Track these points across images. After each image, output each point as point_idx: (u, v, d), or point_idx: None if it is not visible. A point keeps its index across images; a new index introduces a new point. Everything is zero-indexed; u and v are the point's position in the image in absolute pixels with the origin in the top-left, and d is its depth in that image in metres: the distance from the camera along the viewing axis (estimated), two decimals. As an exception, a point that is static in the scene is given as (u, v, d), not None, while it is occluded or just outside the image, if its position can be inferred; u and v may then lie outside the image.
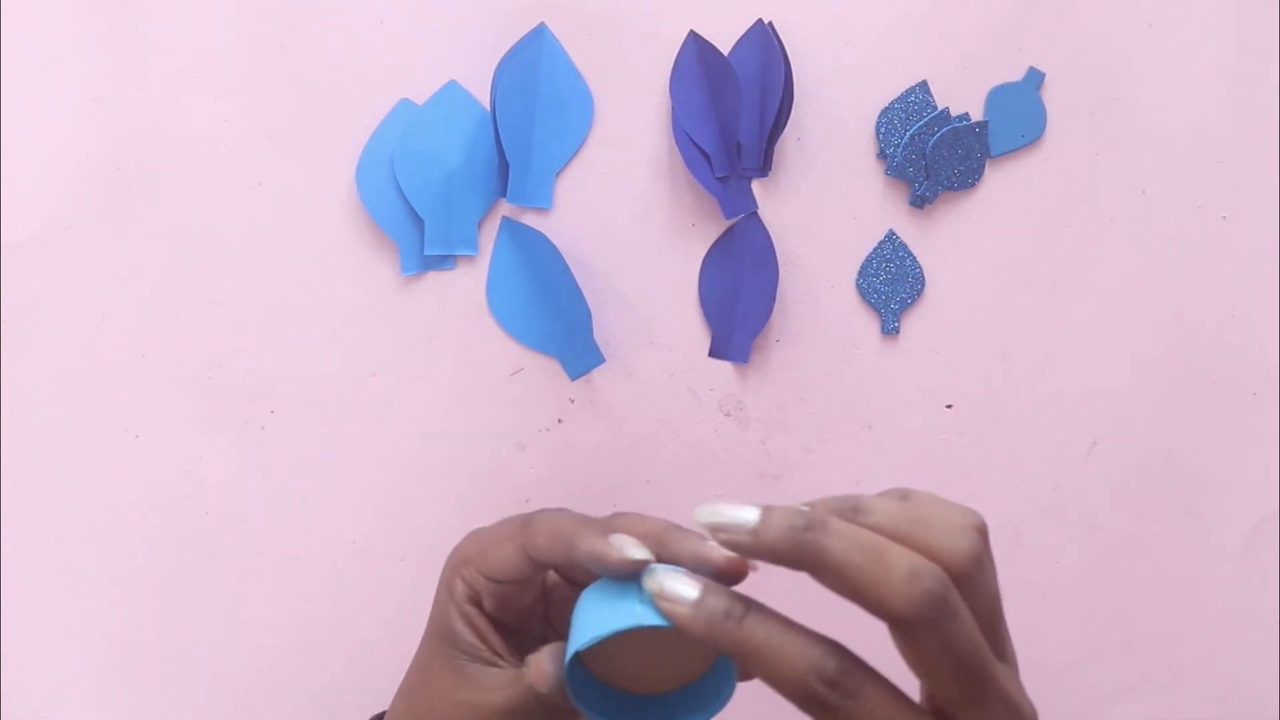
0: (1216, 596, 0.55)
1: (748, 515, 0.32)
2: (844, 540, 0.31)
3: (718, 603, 0.32)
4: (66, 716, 0.55)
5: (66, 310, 0.54)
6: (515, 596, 0.41)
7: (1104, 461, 0.55)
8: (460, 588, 0.41)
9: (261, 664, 0.55)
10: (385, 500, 0.55)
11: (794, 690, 0.31)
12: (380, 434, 0.55)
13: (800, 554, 0.31)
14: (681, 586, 0.33)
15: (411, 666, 0.44)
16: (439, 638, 0.42)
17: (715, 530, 0.33)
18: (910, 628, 0.30)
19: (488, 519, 0.56)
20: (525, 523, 0.40)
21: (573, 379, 0.54)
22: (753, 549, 0.32)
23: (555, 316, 0.54)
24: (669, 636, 0.35)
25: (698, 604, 0.32)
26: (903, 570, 0.30)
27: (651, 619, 0.33)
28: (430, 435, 0.55)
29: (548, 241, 0.53)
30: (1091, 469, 0.55)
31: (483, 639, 0.41)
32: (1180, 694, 0.55)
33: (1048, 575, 0.55)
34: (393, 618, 0.55)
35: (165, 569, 0.55)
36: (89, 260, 0.54)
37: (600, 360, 0.54)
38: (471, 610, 0.41)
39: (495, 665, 0.40)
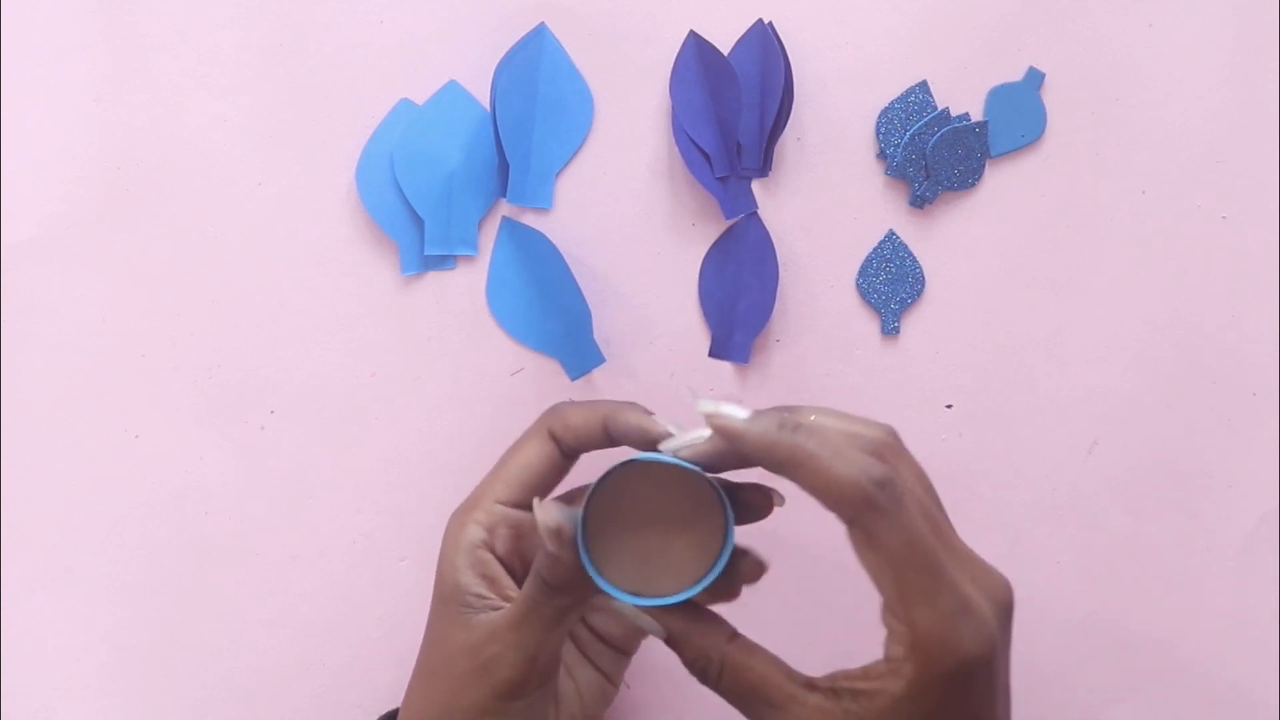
0: (1216, 596, 0.55)
1: (740, 412, 0.36)
2: (814, 438, 0.35)
3: (770, 416, 0.36)
4: (66, 716, 0.55)
5: (66, 310, 0.54)
6: (529, 535, 0.42)
7: (1104, 461, 0.55)
8: (470, 532, 0.42)
9: (261, 664, 0.55)
10: (385, 500, 0.55)
11: (848, 491, 0.35)
12: (380, 434, 0.55)
13: (778, 446, 0.36)
14: (732, 408, 0.37)
15: (422, 649, 0.44)
16: (446, 601, 0.42)
17: (711, 418, 0.36)
18: (874, 516, 0.35)
19: (488, 519, 0.56)
20: (545, 414, 0.43)
21: (573, 379, 0.54)
22: (740, 436, 0.36)
23: (555, 316, 0.54)
24: (671, 525, 0.38)
25: (751, 418, 0.36)
26: (861, 463, 0.35)
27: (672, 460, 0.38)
28: (430, 435, 0.55)
29: (548, 241, 0.53)
30: (1091, 469, 0.55)
31: (493, 584, 0.42)
32: (1180, 694, 0.55)
33: (1048, 575, 0.55)
34: (393, 618, 0.55)
35: (165, 569, 0.55)
36: (89, 260, 0.54)
37: (600, 360, 0.54)
38: (483, 556, 0.42)
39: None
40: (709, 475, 0.38)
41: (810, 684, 0.37)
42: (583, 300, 0.54)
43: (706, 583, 0.38)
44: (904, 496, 0.35)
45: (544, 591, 0.39)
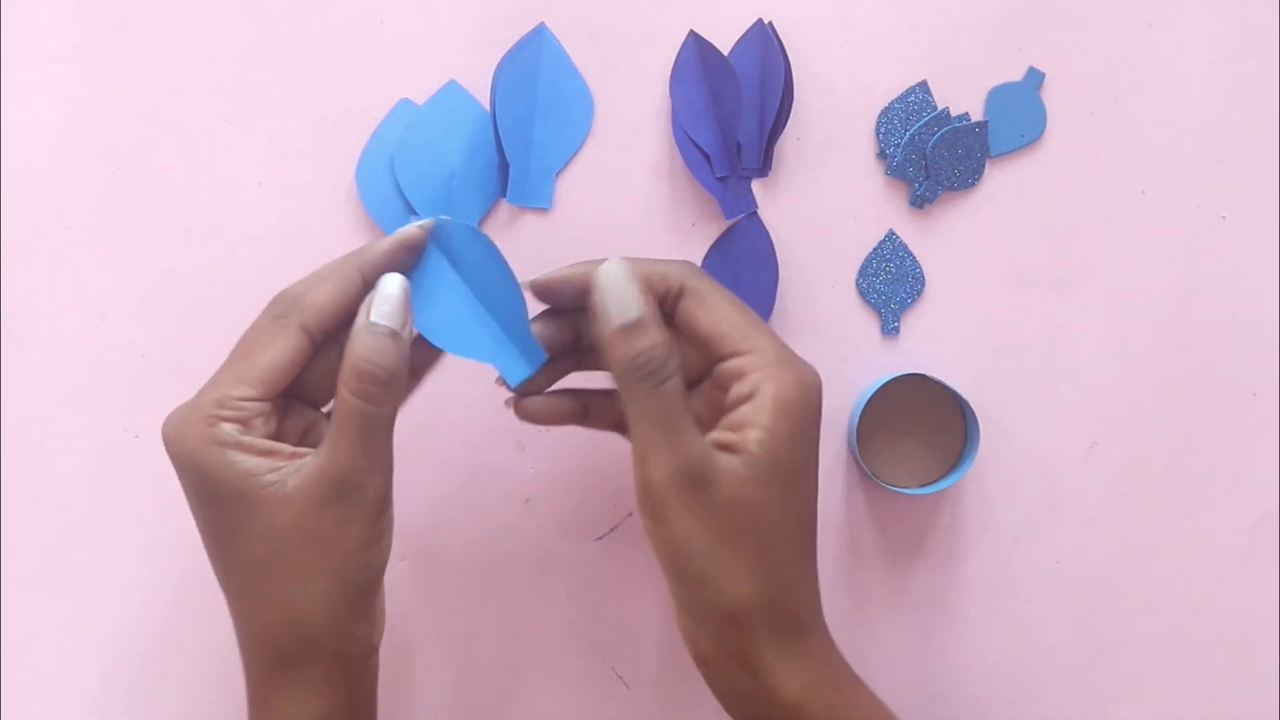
0: (1216, 596, 0.55)
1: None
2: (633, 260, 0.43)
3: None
4: (66, 716, 0.55)
5: (66, 310, 0.54)
6: (288, 418, 0.43)
7: (1104, 461, 0.55)
8: (226, 430, 0.41)
9: (261, 664, 0.55)
10: (385, 500, 0.55)
11: (673, 269, 0.43)
12: (380, 434, 0.54)
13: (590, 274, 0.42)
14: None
15: (231, 572, 0.44)
16: (235, 498, 0.41)
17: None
18: (701, 279, 0.43)
19: (487, 519, 0.56)
20: (284, 304, 0.43)
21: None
22: (575, 279, 0.43)
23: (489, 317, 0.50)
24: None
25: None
26: (674, 260, 0.44)
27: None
28: (430, 435, 0.55)
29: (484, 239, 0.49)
30: (1091, 469, 0.55)
31: (275, 454, 0.41)
32: (1180, 694, 0.55)
33: (1048, 575, 0.55)
34: (392, 617, 0.55)
35: (165, 569, 0.55)
36: (89, 260, 0.54)
37: (543, 357, 0.50)
38: (250, 440, 0.41)
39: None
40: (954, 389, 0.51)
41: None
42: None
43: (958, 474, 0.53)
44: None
45: (379, 394, 0.39)
